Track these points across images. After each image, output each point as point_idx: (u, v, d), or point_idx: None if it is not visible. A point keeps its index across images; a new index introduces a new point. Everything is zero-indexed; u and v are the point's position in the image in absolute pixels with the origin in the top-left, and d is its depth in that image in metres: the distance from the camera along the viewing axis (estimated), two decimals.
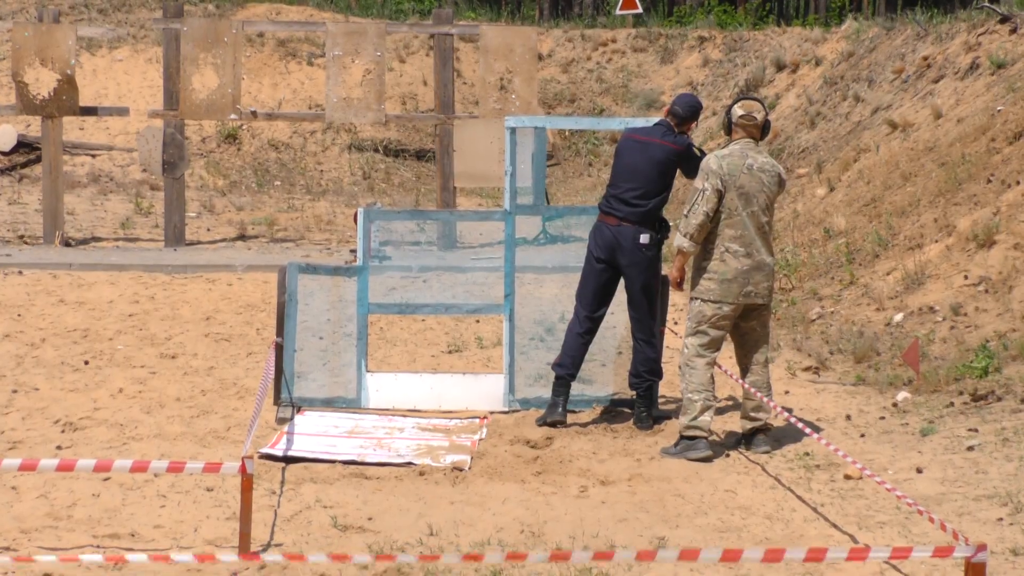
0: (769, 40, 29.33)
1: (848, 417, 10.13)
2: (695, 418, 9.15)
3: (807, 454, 9.22)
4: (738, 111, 9.37)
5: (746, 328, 9.43)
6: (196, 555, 6.18)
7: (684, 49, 31.45)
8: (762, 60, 27.77)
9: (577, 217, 12.33)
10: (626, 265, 9.86)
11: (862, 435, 9.64)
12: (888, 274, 13.17)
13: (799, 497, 8.33)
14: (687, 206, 9.20)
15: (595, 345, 10.49)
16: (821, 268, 14.59)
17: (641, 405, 9.99)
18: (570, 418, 10.11)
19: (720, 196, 9.12)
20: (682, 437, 9.21)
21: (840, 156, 18.80)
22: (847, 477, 8.63)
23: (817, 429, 9.59)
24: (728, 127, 9.47)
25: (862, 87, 21.42)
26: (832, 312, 13.09)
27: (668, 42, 31.92)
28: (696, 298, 9.29)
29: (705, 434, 9.18)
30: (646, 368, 9.96)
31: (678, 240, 9.23)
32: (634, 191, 9.81)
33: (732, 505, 8.22)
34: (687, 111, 9.99)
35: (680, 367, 9.41)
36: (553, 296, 14.34)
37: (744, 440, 9.45)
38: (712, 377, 9.32)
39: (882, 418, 10.03)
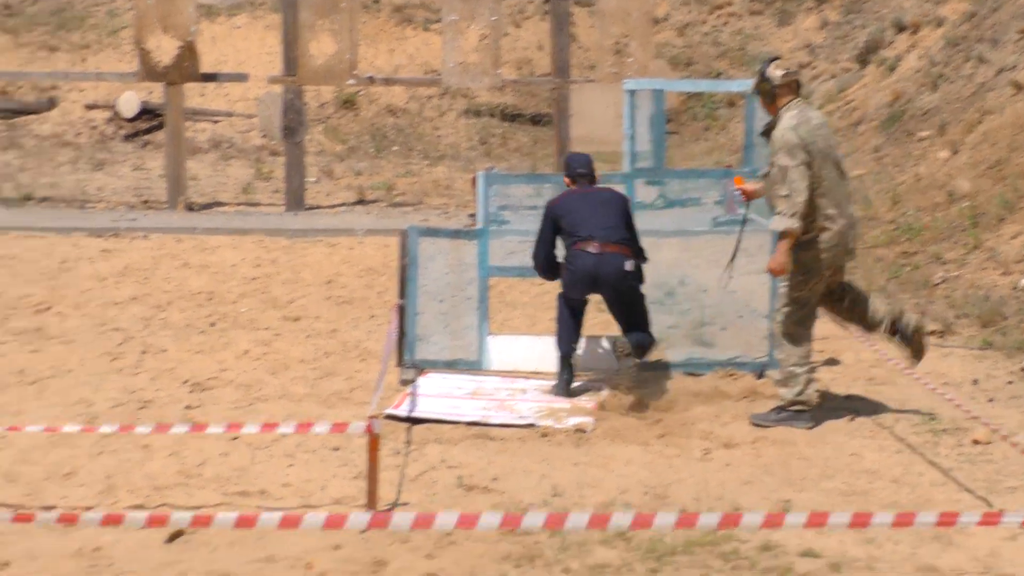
0: (889, 1, 28.92)
1: (975, 382, 10.01)
2: (801, 392, 9.02)
3: (934, 418, 9.13)
4: (777, 72, 9.06)
5: (832, 282, 9.24)
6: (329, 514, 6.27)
7: (801, 11, 31.09)
8: (882, 22, 27.37)
9: (696, 181, 12.24)
10: (611, 295, 9.77)
11: (990, 400, 9.53)
12: (1014, 237, 12.97)
13: (927, 461, 8.25)
14: (783, 186, 8.82)
15: (714, 309, 10.46)
16: (944, 232, 14.39)
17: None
18: (691, 381, 10.08)
19: (810, 166, 8.92)
20: (786, 409, 9.09)
21: (963, 118, 18.50)
22: (975, 442, 8.53)
23: (944, 393, 9.47)
24: (770, 95, 9.13)
25: (986, 48, 21.05)
26: (956, 276, 12.93)
27: (785, 4, 31.55)
28: (798, 270, 9.05)
29: (810, 407, 9.07)
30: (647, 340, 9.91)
31: (784, 222, 8.82)
32: (608, 226, 9.67)
33: (858, 469, 8.17)
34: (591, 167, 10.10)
35: (779, 339, 9.20)
36: (672, 260, 14.27)
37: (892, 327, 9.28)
38: (811, 347, 9.18)
39: (1010, 383, 9.90)
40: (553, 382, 9.91)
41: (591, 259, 9.53)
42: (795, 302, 9.09)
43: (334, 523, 6.14)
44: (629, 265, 9.58)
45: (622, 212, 9.79)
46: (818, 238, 8.94)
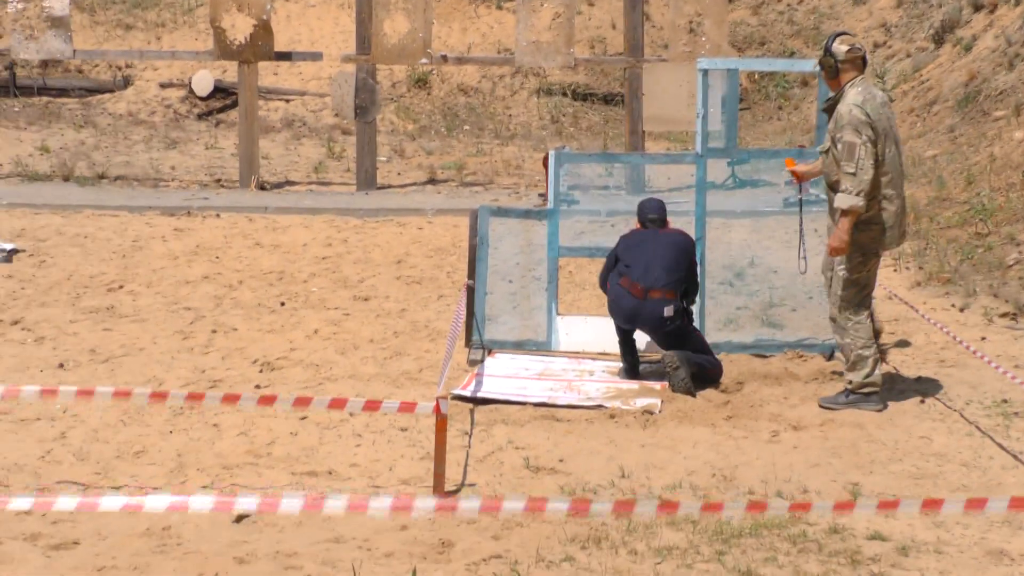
0: None
1: None
2: (870, 374, 8.94)
3: (1005, 401, 9.04)
4: (842, 48, 8.90)
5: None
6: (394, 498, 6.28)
7: None
8: (958, 0, 27.07)
9: (767, 161, 12.16)
10: (652, 336, 9.72)
11: None
12: None
13: (998, 444, 8.17)
14: (851, 164, 8.68)
15: (784, 290, 10.39)
16: (1019, 213, 14.22)
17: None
18: (760, 363, 10.04)
19: (875, 144, 8.76)
20: (855, 391, 8.99)
21: None
22: None
23: (1015, 376, 9.36)
24: (834, 70, 8.96)
25: None
26: None
27: None
28: (856, 252, 8.92)
29: (879, 388, 8.98)
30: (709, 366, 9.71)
31: (850, 200, 8.68)
32: (659, 270, 9.62)
33: (927, 452, 8.10)
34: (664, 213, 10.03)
35: (841, 324, 9.05)
36: (742, 241, 14.23)
37: None
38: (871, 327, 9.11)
39: None
40: (621, 364, 9.90)
41: (630, 302, 9.58)
42: (855, 284, 9.00)
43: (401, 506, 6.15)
44: (668, 311, 9.51)
45: (683, 255, 9.74)
46: (877, 218, 8.85)
